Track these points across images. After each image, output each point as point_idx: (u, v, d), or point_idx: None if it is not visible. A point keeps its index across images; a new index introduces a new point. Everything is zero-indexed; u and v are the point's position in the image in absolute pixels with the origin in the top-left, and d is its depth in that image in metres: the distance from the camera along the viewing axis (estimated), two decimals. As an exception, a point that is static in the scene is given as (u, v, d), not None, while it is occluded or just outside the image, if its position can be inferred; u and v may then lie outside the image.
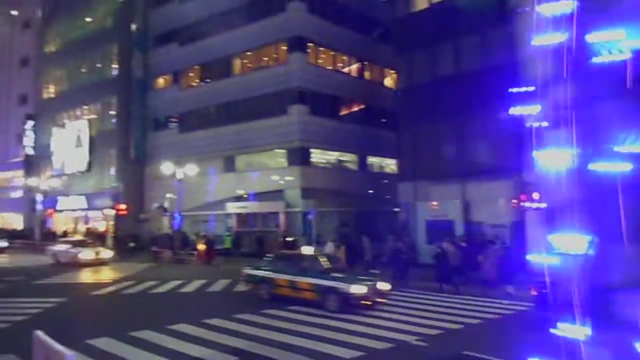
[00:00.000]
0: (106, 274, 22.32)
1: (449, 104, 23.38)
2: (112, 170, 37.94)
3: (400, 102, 27.10)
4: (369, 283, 13.58)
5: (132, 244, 30.39)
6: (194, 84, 35.57)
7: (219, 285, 18.58)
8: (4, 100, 48.81)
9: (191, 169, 29.80)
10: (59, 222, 42.01)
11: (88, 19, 41.90)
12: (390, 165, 35.38)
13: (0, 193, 47.26)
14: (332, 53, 32.61)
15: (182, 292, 17.33)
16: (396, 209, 32.25)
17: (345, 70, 33.48)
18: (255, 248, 27.03)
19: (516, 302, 14.58)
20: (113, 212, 37.31)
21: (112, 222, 38.00)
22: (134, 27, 38.34)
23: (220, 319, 12.43)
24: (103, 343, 10.31)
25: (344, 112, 32.94)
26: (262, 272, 15.45)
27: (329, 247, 22.93)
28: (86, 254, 25.48)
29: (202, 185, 32.51)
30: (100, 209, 38.75)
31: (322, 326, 11.79)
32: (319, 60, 31.83)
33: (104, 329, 11.45)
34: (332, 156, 32.38)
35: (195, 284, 18.71)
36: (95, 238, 33.65)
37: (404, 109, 26.48)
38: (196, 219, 33.50)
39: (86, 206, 39.10)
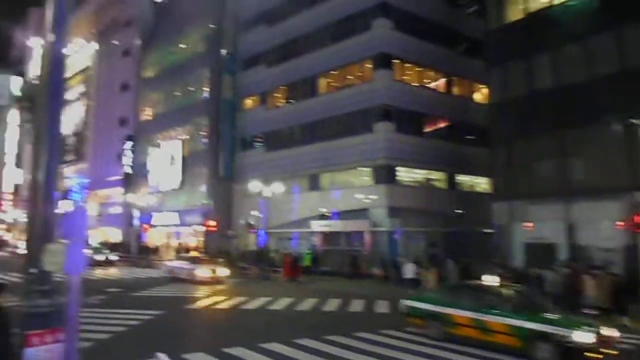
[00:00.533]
0: (198, 289, 22.88)
1: (548, 117, 21.93)
2: (203, 188, 39.46)
3: (493, 117, 25.86)
4: (593, 328, 10.38)
5: (221, 260, 31.13)
6: (280, 104, 36.35)
7: (307, 304, 18.34)
8: (106, 123, 52.67)
9: (277, 187, 30.28)
10: (153, 237, 44.25)
11: (182, 45, 44.41)
12: (480, 184, 33.86)
13: (102, 209, 50.68)
14: (417, 69, 32.00)
15: (272, 309, 17.27)
16: (486, 230, 30.71)
17: (432, 85, 32.70)
18: (349, 268, 26.57)
19: (634, 335, 13.01)
20: (203, 228, 38.72)
21: (201, 238, 39.42)
22: (223, 51, 40.04)
23: (312, 340, 12.11)
24: (199, 358, 10.34)
25: (430, 128, 32.07)
26: (432, 305, 12.69)
27: (409, 268, 22.15)
28: (203, 272, 24.88)
29: (287, 203, 32.89)
30: (191, 225, 40.38)
31: None
32: (405, 77, 31.34)
33: (199, 344, 11.54)
34: (419, 174, 31.52)
35: (283, 302, 18.61)
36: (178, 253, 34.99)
37: (497, 123, 25.21)
38: (281, 236, 33.88)
39: (178, 222, 40.89)
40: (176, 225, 41.76)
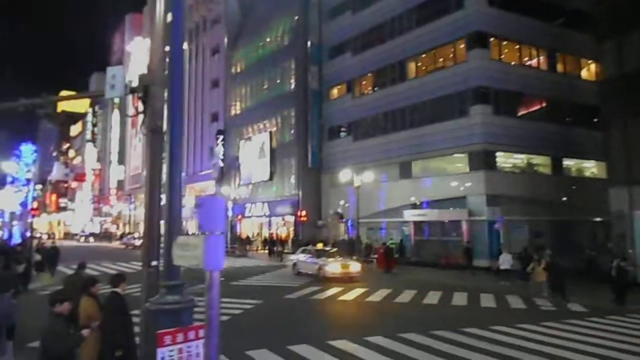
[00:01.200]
0: (294, 278, 22.86)
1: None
2: (292, 179, 39.77)
3: (607, 95, 23.35)
4: None
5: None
6: (368, 91, 35.59)
7: (406, 296, 17.58)
8: (199, 119, 54.83)
9: (367, 176, 29.68)
10: (245, 227, 45.45)
11: (268, 39, 44.92)
12: (589, 168, 31.07)
13: (197, 201, 52.80)
14: (516, 46, 29.79)
15: (370, 300, 16.73)
16: (597, 219, 28.07)
17: (532, 63, 30.30)
18: (463, 259, 24.99)
19: None
20: (292, 218, 39.07)
21: (292, 228, 39.81)
22: (309, 42, 39.91)
23: (419, 334, 11.41)
24: (303, 350, 10.02)
25: (532, 110, 29.78)
26: None
27: (505, 259, 20.73)
28: (333, 268, 21.69)
29: (377, 192, 32.16)
30: (281, 215, 40.92)
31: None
32: (502, 55, 29.30)
33: (300, 335, 11.21)
34: (520, 159, 29.42)
35: (381, 293, 17.99)
36: (279, 243, 35.46)
37: (612, 101, 22.73)
38: (371, 226, 33.24)
39: (268, 213, 41.59)
40: (267, 216, 42.53)
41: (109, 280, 7.02)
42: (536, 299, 17.09)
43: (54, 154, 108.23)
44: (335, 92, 38.46)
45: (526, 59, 30.12)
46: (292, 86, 40.93)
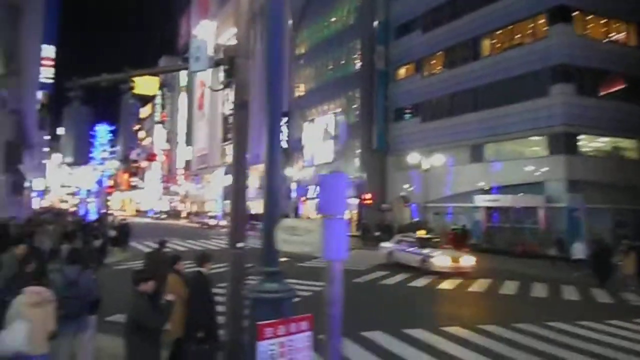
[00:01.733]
0: (355, 261, 22.47)
1: None
2: (356, 161, 39.23)
3: None
4: None
5: (377, 233, 30.62)
6: (437, 70, 34.24)
7: (479, 285, 16.73)
8: (262, 101, 55.04)
9: (435, 159, 28.66)
10: (308, 209, 45.52)
11: (333, 19, 44.21)
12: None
13: (261, 183, 53.49)
14: (602, 20, 27.51)
15: (441, 288, 16.05)
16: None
17: (620, 39, 27.89)
18: (556, 248, 22.58)
19: None
20: (356, 201, 38.59)
21: (355, 212, 39.37)
22: (375, 21, 38.84)
23: (499, 327, 10.68)
24: (377, 337, 9.60)
25: (618, 89, 27.44)
26: None
27: (579, 248, 19.28)
28: (442, 261, 18.43)
29: (445, 176, 31.02)
30: (345, 197, 40.47)
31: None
32: (586, 31, 27.14)
33: (375, 322, 10.77)
34: (604, 143, 27.35)
35: (453, 281, 17.24)
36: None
37: None
38: (438, 211, 32.19)
39: (332, 195, 41.31)
40: (330, 199, 42.25)
41: (194, 258, 6.88)
42: (624, 293, 15.78)
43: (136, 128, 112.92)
44: (402, 72, 37.33)
45: (614, 33, 27.78)
46: (358, 67, 40.16)
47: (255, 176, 54.91)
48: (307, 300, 13.14)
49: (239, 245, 5.11)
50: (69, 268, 7.03)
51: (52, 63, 56.74)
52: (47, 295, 5.64)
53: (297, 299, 12.49)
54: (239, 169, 5.24)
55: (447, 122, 31.93)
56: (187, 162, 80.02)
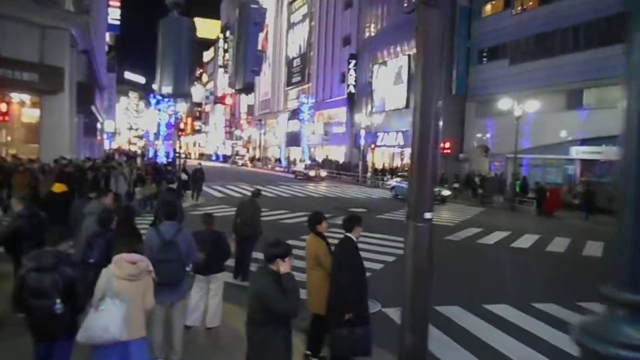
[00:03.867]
0: (442, 216, 20.78)
1: None
2: (431, 107, 36.67)
3: None
4: None
5: (455, 185, 28.62)
6: (530, 6, 30.53)
7: (592, 249, 14.67)
8: (329, 43, 52.68)
9: (525, 106, 25.81)
10: (376, 158, 43.74)
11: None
12: None
13: (326, 128, 51.97)
14: None
15: (551, 251, 14.15)
16: None
17: None
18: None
19: None
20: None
21: (428, 161, 37.22)
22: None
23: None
24: (454, 314, 7.99)
25: None
26: None
27: None
28: None
29: (534, 125, 28.08)
30: (417, 146, 38.34)
31: None
32: None
33: (454, 294, 8.99)
34: None
35: (561, 242, 15.26)
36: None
37: None
38: (522, 162, 29.52)
39: (403, 143, 39.24)
40: (400, 146, 40.24)
41: (342, 222, 5.57)
42: None
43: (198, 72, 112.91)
44: (488, 8, 33.74)
45: None
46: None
47: (320, 122, 53.46)
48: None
49: (427, 216, 3.52)
50: (165, 226, 5.81)
51: (118, 4, 56.32)
52: (144, 266, 4.40)
53: (392, 258, 11.16)
54: (426, 113, 3.63)
55: (540, 65, 28.62)
56: (250, 107, 79.39)
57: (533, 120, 27.17)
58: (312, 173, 39.73)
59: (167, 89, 4.40)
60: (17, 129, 23.15)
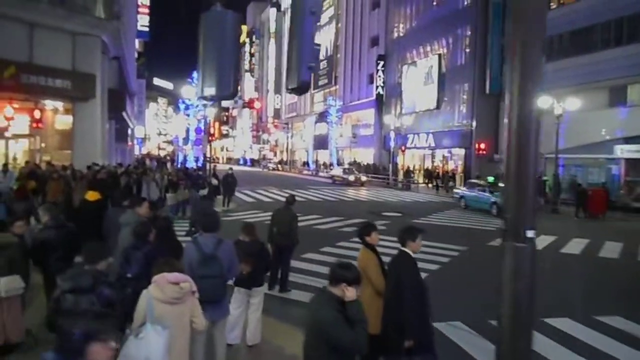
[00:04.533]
0: (481, 220, 19.97)
1: None
2: (463, 107, 35.76)
3: None
4: None
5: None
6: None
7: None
8: (357, 44, 52.10)
9: (563, 104, 24.74)
10: (406, 159, 42.92)
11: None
12: None
13: (354, 130, 51.33)
14: None
15: (605, 257, 13.28)
16: None
17: None
18: None
19: None
20: (462, 151, 35.47)
21: (460, 162, 36.33)
22: (490, -55, 34.04)
23: None
24: (565, 325, 7.36)
25: None
26: None
27: None
28: None
29: (573, 123, 26.90)
30: (448, 147, 37.50)
31: None
32: None
33: (559, 304, 8.43)
34: None
35: (613, 248, 14.33)
36: (447, 179, 32.49)
37: None
38: (561, 163, 28.34)
39: (433, 144, 38.40)
40: (431, 148, 39.40)
41: (398, 236, 4.95)
42: None
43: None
44: (523, 3, 32.63)
45: None
46: (467, 1, 35.86)
47: (348, 124, 52.89)
48: (448, 270, 11.10)
49: (530, 234, 2.93)
50: (205, 238, 5.38)
51: (147, 11, 57.01)
52: (188, 287, 3.96)
53: (435, 266, 10.55)
54: (525, 105, 3.08)
55: (580, 61, 27.42)
56: (277, 111, 79.34)
57: (573, 118, 26.05)
58: (351, 178, 37.38)
59: (210, 91, 3.96)
60: (50, 135, 23.31)
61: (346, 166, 43.25)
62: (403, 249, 4.87)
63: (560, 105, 23.98)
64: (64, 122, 23.63)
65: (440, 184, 33.09)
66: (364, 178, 37.61)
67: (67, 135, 23.24)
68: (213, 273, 5.18)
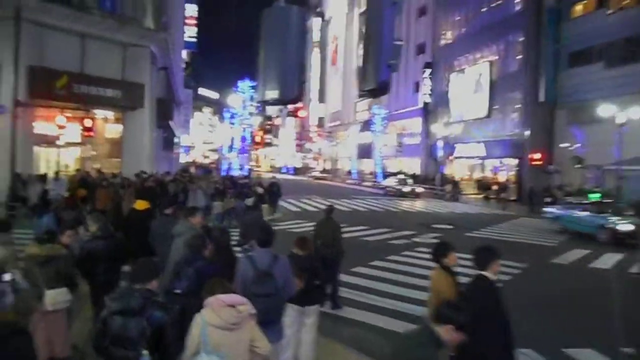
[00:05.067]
0: (538, 233, 18.85)
1: None
2: (515, 115, 34.42)
3: None
4: None
5: (548, 199, 26.30)
6: (628, 3, 27.82)
7: None
8: (403, 52, 51.33)
9: (627, 112, 23.25)
10: (454, 169, 41.75)
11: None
12: None
13: (400, 139, 50.43)
14: None
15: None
16: None
17: None
18: None
19: None
20: (514, 161, 34.11)
21: (511, 173, 34.93)
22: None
23: None
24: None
25: None
26: None
27: None
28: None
29: (636, 132, 25.29)
30: (499, 157, 36.17)
31: None
32: None
33: (592, 331, 7.44)
34: None
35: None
36: (498, 189, 31.23)
37: None
38: (624, 174, 26.64)
39: (484, 154, 37.11)
40: (480, 158, 38.11)
41: (474, 257, 4.36)
42: None
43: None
44: (579, 8, 31.17)
45: None
46: (519, 6, 34.63)
47: (393, 133, 52.06)
48: (511, 289, 10.25)
49: None
50: (260, 253, 4.96)
51: (194, 22, 58.31)
52: (246, 310, 3.51)
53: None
54: None
55: (642, 67, 25.86)
56: (320, 119, 79.27)
57: (636, 127, 24.45)
58: (406, 189, 34.95)
59: (273, 94, 3.51)
60: (100, 144, 23.77)
61: (400, 177, 39.72)
62: (482, 272, 4.28)
63: (624, 113, 22.54)
64: (113, 130, 24.07)
65: (493, 195, 31.79)
66: (419, 190, 35.24)
67: (117, 144, 23.65)
68: (268, 291, 4.75)
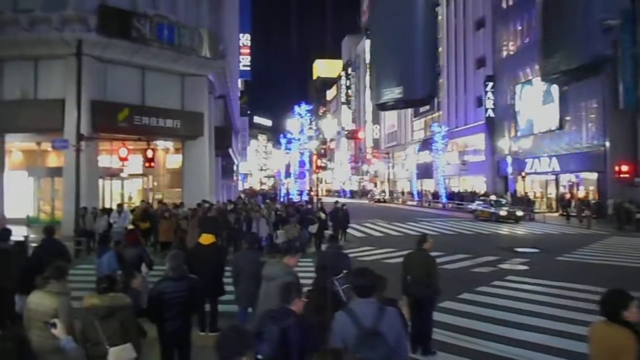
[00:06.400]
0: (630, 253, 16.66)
1: None
2: (592, 126, 31.88)
3: None
4: None
5: (638, 216, 23.76)
6: None
7: None
8: (460, 66, 49.60)
9: None
10: (524, 186, 39.20)
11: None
12: None
13: (462, 157, 48.29)
14: None
15: None
16: None
17: None
18: None
19: None
20: (593, 175, 31.46)
21: (591, 187, 32.23)
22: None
23: None
24: None
25: None
26: None
27: None
28: None
29: None
30: (575, 171, 33.53)
31: None
32: None
33: None
34: None
35: None
36: (580, 206, 28.71)
37: None
38: None
39: (558, 168, 34.55)
40: (554, 173, 35.52)
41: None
42: None
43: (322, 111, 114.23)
44: (658, 6, 28.69)
45: None
46: (588, 9, 32.35)
47: (454, 151, 50.03)
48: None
49: None
50: (361, 306, 3.82)
51: (248, 51, 59.19)
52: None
53: (592, 318, 8.18)
54: None
55: None
56: (376, 141, 78.06)
57: None
58: (502, 212, 29.33)
59: (392, 94, 2.49)
60: (162, 174, 23.72)
61: (493, 197, 34.16)
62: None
63: None
64: (174, 160, 23.99)
65: (573, 212, 29.25)
66: (519, 213, 29.22)
67: (177, 174, 23.50)
68: (377, 355, 3.62)
